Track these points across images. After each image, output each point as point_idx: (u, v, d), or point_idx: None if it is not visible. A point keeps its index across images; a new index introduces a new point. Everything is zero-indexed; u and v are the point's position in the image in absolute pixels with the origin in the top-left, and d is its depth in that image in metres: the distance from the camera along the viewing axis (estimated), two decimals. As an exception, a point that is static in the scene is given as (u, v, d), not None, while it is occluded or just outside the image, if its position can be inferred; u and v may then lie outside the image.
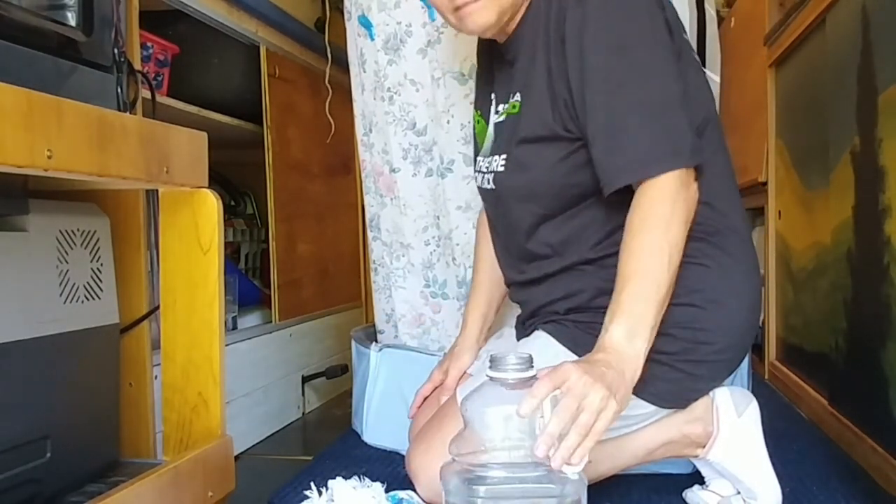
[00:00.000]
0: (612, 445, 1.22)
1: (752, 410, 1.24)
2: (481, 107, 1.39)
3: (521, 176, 1.23)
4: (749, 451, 1.22)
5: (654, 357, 1.14)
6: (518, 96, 1.24)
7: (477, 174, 1.36)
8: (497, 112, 1.30)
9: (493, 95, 1.33)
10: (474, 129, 1.42)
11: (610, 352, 1.01)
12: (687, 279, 1.14)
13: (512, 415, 0.93)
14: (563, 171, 1.19)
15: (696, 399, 1.23)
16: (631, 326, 1.02)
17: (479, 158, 1.35)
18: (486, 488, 0.92)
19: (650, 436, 1.24)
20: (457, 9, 1.18)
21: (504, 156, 1.26)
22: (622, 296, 1.04)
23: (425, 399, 1.41)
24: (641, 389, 1.16)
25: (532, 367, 0.96)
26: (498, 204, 1.31)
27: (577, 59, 1.12)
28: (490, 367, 0.97)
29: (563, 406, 0.92)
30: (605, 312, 1.05)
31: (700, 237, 1.16)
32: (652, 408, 1.19)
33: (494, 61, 1.34)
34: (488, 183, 1.30)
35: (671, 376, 1.17)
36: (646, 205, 1.07)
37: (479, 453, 0.94)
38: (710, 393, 1.24)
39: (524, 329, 1.33)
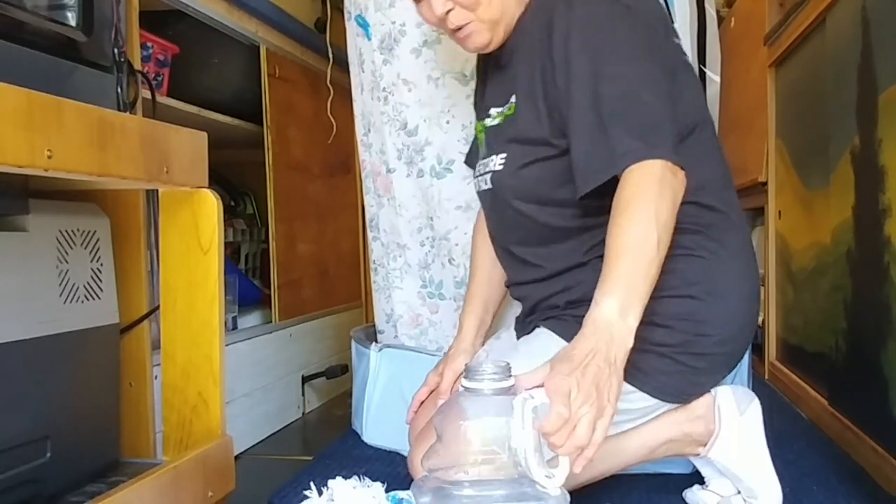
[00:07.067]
0: (613, 443, 1.22)
1: (754, 409, 1.24)
2: (479, 116, 1.41)
3: (518, 174, 1.24)
4: (751, 450, 1.22)
5: (655, 350, 1.14)
6: (514, 98, 1.26)
7: (475, 180, 1.37)
8: (490, 116, 1.32)
9: (486, 102, 1.36)
10: (475, 139, 1.44)
11: (601, 330, 0.98)
12: (684, 271, 1.14)
13: (490, 428, 0.87)
14: (556, 173, 1.20)
15: (698, 394, 1.23)
16: (623, 301, 1.00)
17: (478, 165, 1.37)
18: None
19: (651, 434, 1.24)
20: (454, 32, 1.25)
21: (503, 154, 1.27)
22: (613, 270, 1.02)
23: (421, 403, 1.41)
24: (643, 383, 1.16)
25: (510, 376, 0.91)
26: (494, 205, 1.32)
27: (562, 65, 1.15)
28: (465, 378, 0.91)
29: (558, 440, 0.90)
30: None
31: (696, 230, 1.17)
32: (654, 401, 1.19)
33: (489, 68, 1.36)
34: (486, 183, 1.31)
35: (672, 369, 1.17)
36: (632, 184, 1.06)
37: (455, 469, 0.89)
38: (712, 391, 1.24)
39: (525, 327, 1.33)
